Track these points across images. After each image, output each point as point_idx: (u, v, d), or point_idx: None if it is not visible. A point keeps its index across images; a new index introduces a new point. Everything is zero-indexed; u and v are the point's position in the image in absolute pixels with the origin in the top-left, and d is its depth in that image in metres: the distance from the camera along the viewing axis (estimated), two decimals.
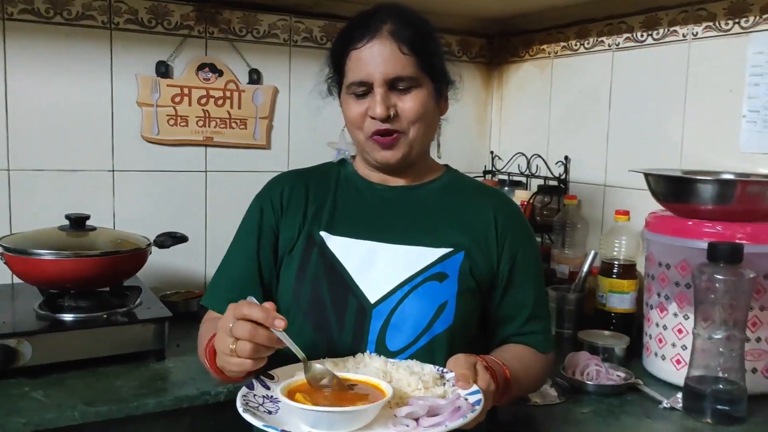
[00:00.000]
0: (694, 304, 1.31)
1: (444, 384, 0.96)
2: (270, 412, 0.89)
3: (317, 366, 0.94)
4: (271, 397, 0.93)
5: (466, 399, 0.90)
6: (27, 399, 1.25)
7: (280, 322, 0.88)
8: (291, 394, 0.89)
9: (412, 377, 0.95)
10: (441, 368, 1.00)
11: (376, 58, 1.07)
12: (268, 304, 0.90)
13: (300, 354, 0.93)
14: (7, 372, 1.32)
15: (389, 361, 1.00)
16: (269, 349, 0.90)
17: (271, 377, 0.97)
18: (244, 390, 0.93)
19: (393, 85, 1.08)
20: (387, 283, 1.09)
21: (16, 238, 1.51)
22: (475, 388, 0.93)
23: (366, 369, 0.99)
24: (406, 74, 1.08)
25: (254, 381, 0.96)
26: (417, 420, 0.87)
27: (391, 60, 1.07)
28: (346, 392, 0.91)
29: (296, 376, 0.96)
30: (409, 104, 1.09)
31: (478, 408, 0.88)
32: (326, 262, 1.11)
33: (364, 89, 1.09)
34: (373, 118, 1.09)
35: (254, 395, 0.92)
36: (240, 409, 0.87)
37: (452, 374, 0.96)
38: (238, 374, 0.94)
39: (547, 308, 1.23)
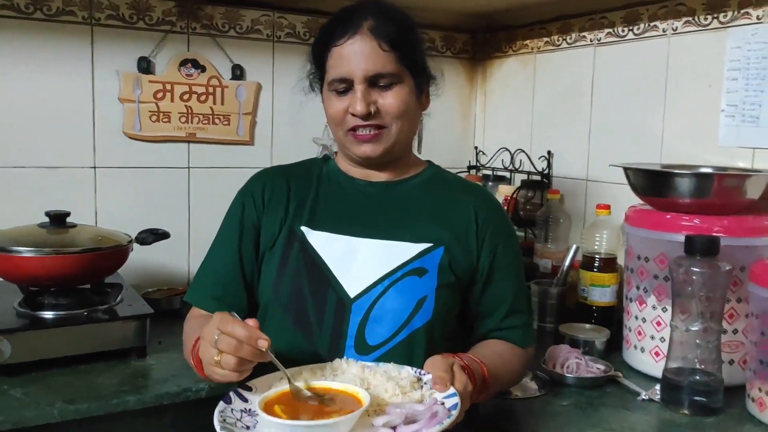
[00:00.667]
0: (671, 296, 1.32)
1: (421, 387, 0.96)
2: (248, 428, 0.88)
3: (301, 388, 0.93)
4: (249, 410, 0.92)
5: (443, 403, 0.90)
6: (6, 397, 1.25)
7: (263, 342, 0.87)
8: (269, 407, 0.89)
9: (389, 383, 0.95)
10: (418, 370, 0.99)
11: (356, 55, 1.07)
12: (251, 321, 0.90)
13: (283, 370, 0.93)
14: None
15: (366, 367, 1.00)
16: (254, 362, 0.90)
17: (249, 389, 0.96)
18: (221, 405, 0.92)
19: (374, 81, 1.09)
20: (367, 278, 1.09)
21: None
22: (452, 390, 0.93)
23: (344, 375, 0.98)
24: (387, 71, 1.08)
25: (232, 393, 0.95)
26: (394, 428, 0.87)
27: (371, 57, 1.07)
28: (324, 403, 0.91)
29: (273, 387, 0.95)
30: (389, 100, 1.09)
31: (455, 413, 0.88)
32: (307, 256, 1.11)
33: (345, 86, 1.10)
34: (354, 115, 1.09)
35: (231, 410, 0.91)
36: (217, 427, 0.86)
37: (429, 376, 0.96)
38: (223, 382, 0.94)
39: (528, 303, 1.24)
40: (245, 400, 0.94)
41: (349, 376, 0.97)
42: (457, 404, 0.89)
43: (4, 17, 1.69)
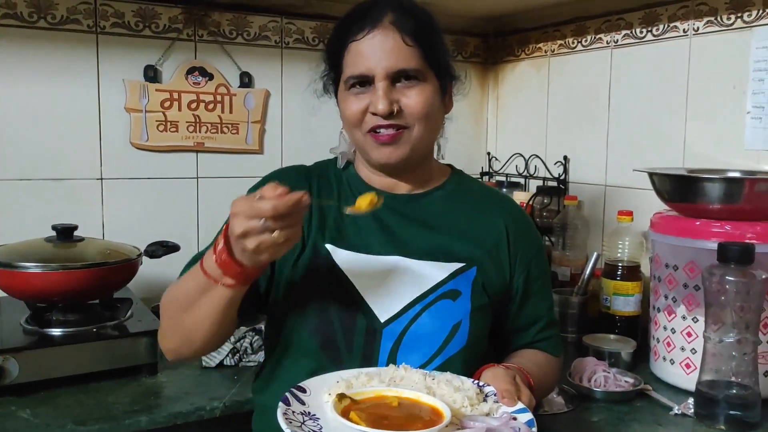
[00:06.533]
0: (704, 306, 1.27)
1: (485, 399, 0.91)
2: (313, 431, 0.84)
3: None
4: (309, 413, 0.87)
5: (515, 418, 0.86)
6: (13, 418, 1.20)
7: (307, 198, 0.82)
8: (345, 413, 0.83)
9: (457, 394, 0.89)
10: (477, 381, 0.95)
11: (377, 49, 1.00)
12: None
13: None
14: None
15: (428, 375, 0.93)
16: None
17: (303, 390, 0.91)
18: (282, 407, 0.86)
19: (396, 78, 1.02)
20: (398, 302, 1.03)
21: (0, 251, 1.45)
22: (521, 405, 0.88)
23: (403, 383, 0.92)
24: (411, 67, 1.01)
25: (288, 396, 0.89)
26: None
27: (394, 51, 1.00)
28: (399, 412, 0.85)
29: (332, 390, 0.90)
30: (413, 99, 1.02)
31: (535, 430, 0.83)
32: (333, 277, 1.04)
33: (365, 84, 1.03)
34: (374, 114, 1.02)
35: (293, 412, 0.86)
36: (285, 428, 0.80)
37: (491, 388, 0.91)
38: (270, 256, 0.86)
39: (554, 312, 1.19)
40: (302, 403, 0.89)
41: (411, 384, 0.91)
42: (533, 420, 0.85)
43: (6, 26, 1.65)
